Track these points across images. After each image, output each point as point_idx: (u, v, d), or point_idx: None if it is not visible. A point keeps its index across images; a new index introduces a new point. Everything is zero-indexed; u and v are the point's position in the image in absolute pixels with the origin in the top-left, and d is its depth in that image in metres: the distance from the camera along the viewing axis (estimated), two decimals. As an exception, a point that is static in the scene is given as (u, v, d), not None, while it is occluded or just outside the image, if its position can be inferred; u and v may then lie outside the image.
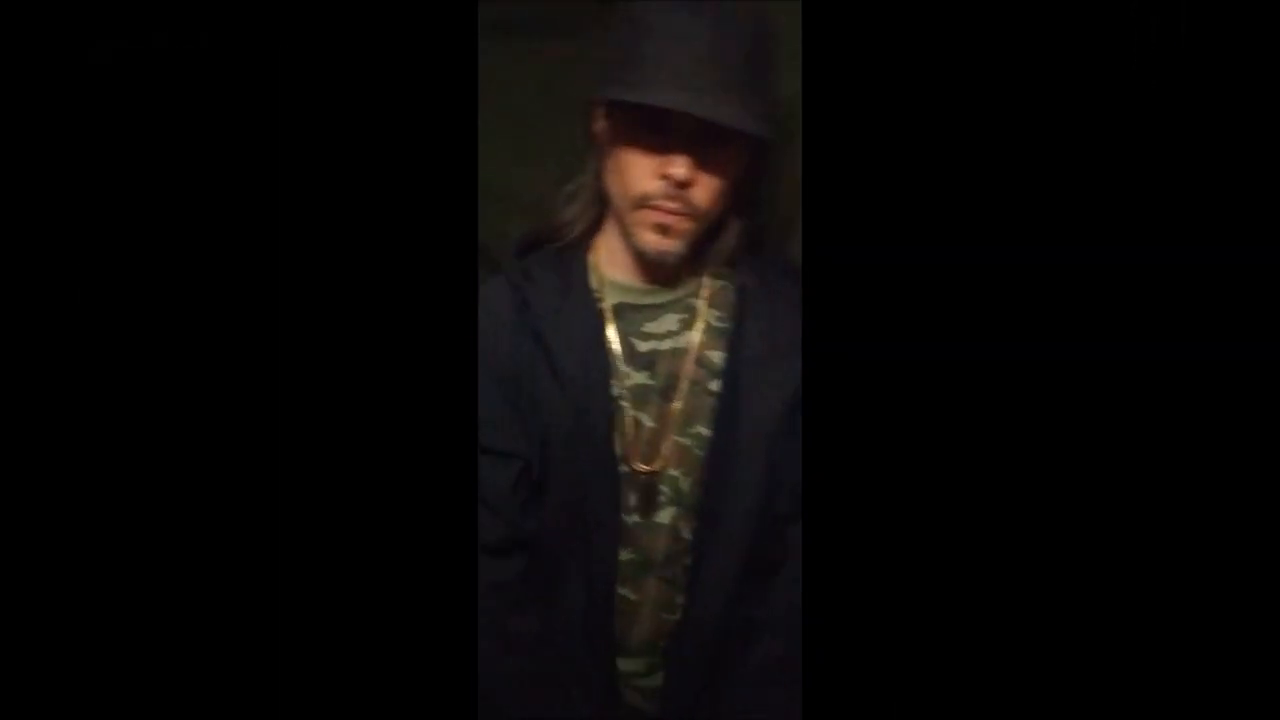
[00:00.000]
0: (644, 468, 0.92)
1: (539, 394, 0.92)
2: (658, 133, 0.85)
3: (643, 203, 0.88)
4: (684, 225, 0.89)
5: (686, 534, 0.93)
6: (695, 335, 0.95)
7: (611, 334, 0.94)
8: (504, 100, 1.27)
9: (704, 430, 0.93)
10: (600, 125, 0.90)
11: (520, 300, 0.94)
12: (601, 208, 0.94)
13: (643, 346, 0.95)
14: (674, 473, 0.93)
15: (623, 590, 0.93)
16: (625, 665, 0.94)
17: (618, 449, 0.92)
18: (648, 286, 0.96)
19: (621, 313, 0.95)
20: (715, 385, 0.93)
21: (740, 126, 0.84)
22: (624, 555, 0.93)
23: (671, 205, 0.88)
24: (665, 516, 0.93)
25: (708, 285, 0.96)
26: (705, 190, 0.88)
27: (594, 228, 0.96)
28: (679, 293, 0.96)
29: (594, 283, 0.96)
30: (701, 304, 0.96)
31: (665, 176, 0.86)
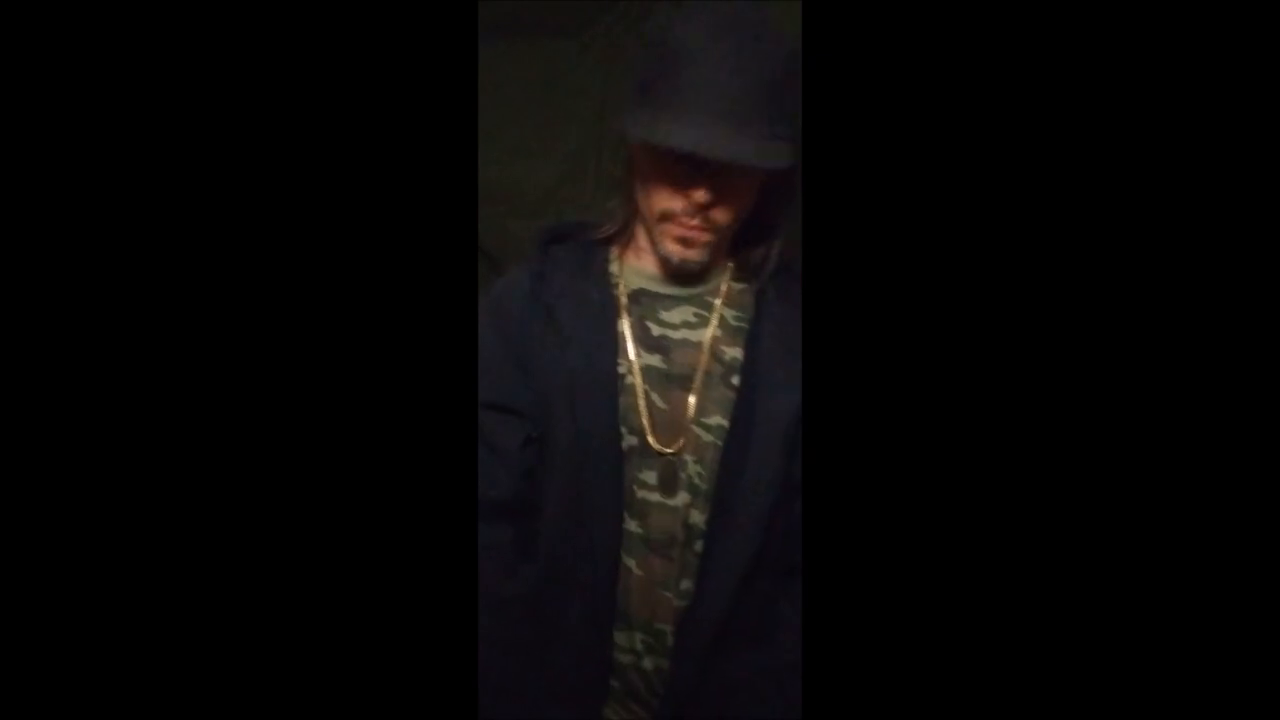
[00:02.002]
0: (664, 448, 0.95)
1: (545, 363, 0.96)
2: (682, 162, 0.90)
3: (667, 218, 0.94)
4: (705, 238, 0.95)
5: (698, 520, 0.95)
6: (711, 330, 0.99)
7: (624, 315, 0.99)
8: (504, 100, 1.27)
9: (721, 421, 0.96)
10: (636, 153, 0.96)
11: (537, 273, 1.00)
12: (632, 215, 1.00)
13: (655, 331, 0.99)
14: (689, 458, 0.96)
15: (627, 560, 0.95)
16: (621, 639, 0.96)
17: (627, 424, 0.96)
18: (668, 282, 1.01)
19: (637, 298, 1.00)
20: (733, 379, 0.97)
21: (761, 164, 0.89)
22: (630, 526, 0.96)
23: (693, 222, 0.94)
24: (679, 499, 0.96)
25: (726, 286, 1.01)
26: (726, 211, 0.94)
27: (624, 229, 1.02)
28: (697, 290, 1.01)
29: (614, 269, 1.01)
30: (718, 302, 1.00)
31: (687, 199, 0.91)
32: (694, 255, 0.95)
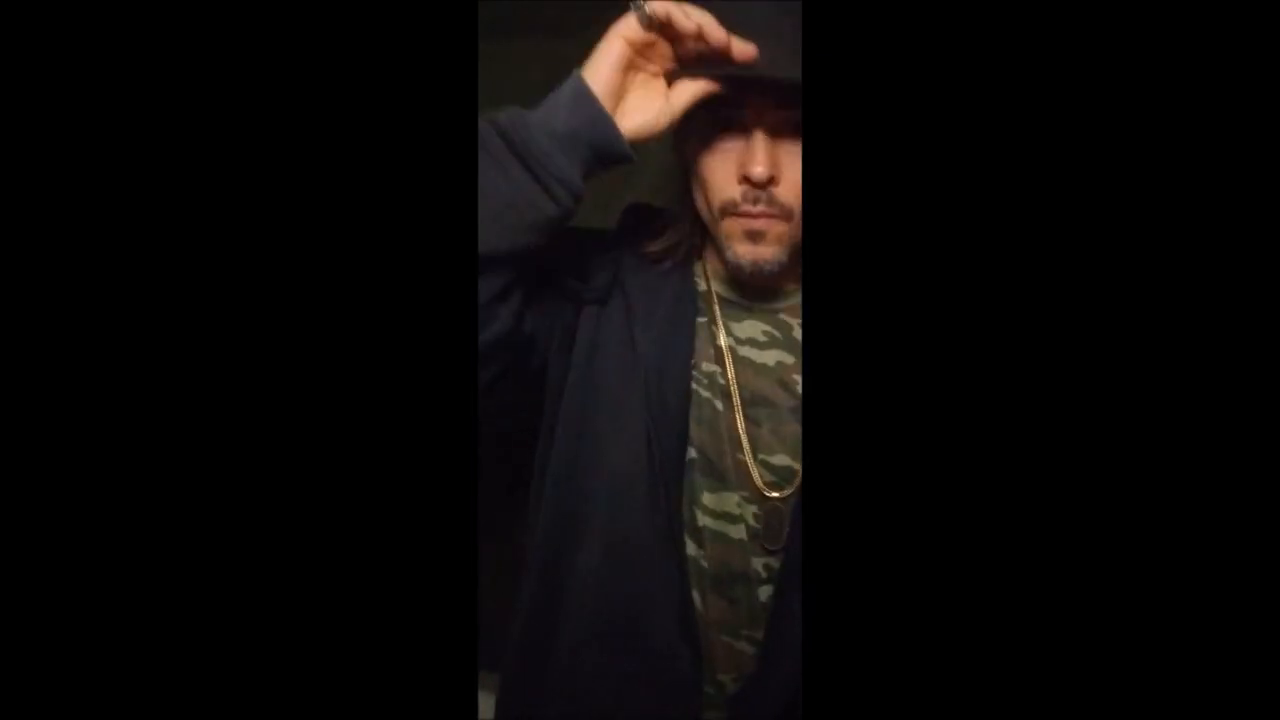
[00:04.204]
0: (762, 490, 0.86)
1: (613, 350, 0.88)
2: (734, 130, 0.83)
3: (729, 210, 0.85)
4: (777, 229, 0.85)
5: (760, 569, 0.86)
6: (778, 354, 0.89)
7: (697, 316, 0.90)
8: (504, 100, 1.27)
9: (786, 460, 0.87)
10: (688, 141, 0.87)
11: (615, 237, 0.92)
12: (699, 233, 0.90)
13: (720, 340, 0.89)
14: (748, 492, 0.87)
15: (693, 593, 0.86)
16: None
17: (693, 433, 0.87)
18: (741, 293, 0.91)
19: (710, 299, 0.91)
20: (801, 414, 0.87)
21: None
22: (692, 551, 0.86)
23: (758, 209, 0.83)
24: (738, 533, 0.87)
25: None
26: (792, 188, 0.83)
27: (700, 246, 0.93)
28: (774, 303, 0.91)
29: (698, 274, 0.93)
30: (795, 323, 0.90)
31: (746, 179, 0.83)
32: (768, 254, 0.85)
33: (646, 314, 0.88)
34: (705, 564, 0.87)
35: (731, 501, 0.87)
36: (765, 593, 0.86)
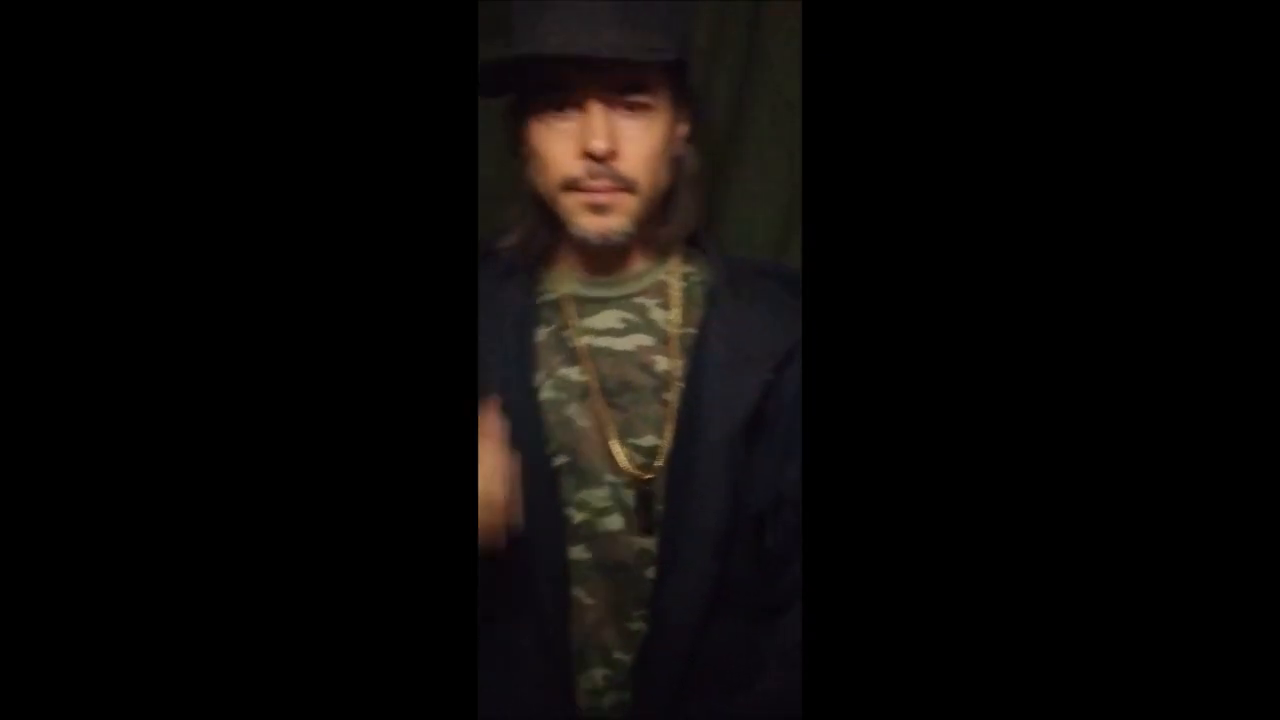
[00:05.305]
0: (636, 473, 0.88)
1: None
2: (568, 106, 0.83)
3: (571, 187, 0.85)
4: (622, 201, 0.85)
5: (639, 552, 0.88)
6: (639, 338, 0.91)
7: (543, 325, 0.91)
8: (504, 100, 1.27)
9: (655, 440, 0.89)
10: (523, 124, 0.87)
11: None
12: (545, 214, 0.90)
13: (577, 342, 0.90)
14: (617, 479, 0.89)
15: (576, 591, 0.88)
16: (583, 680, 0.89)
17: (554, 442, 0.88)
18: (597, 279, 0.92)
19: (565, 304, 0.92)
20: (665, 394, 0.89)
21: (644, 57, 0.81)
22: (575, 554, 0.89)
23: (600, 183, 0.84)
24: (614, 523, 0.89)
25: (664, 283, 0.92)
26: (633, 160, 0.84)
27: (533, 235, 0.92)
28: (630, 288, 0.92)
29: (543, 279, 0.93)
30: (653, 305, 0.92)
31: (587, 154, 0.83)
32: (614, 224, 0.85)
33: (492, 336, 0.89)
34: (588, 560, 0.89)
35: (603, 495, 0.89)
36: (650, 573, 0.88)
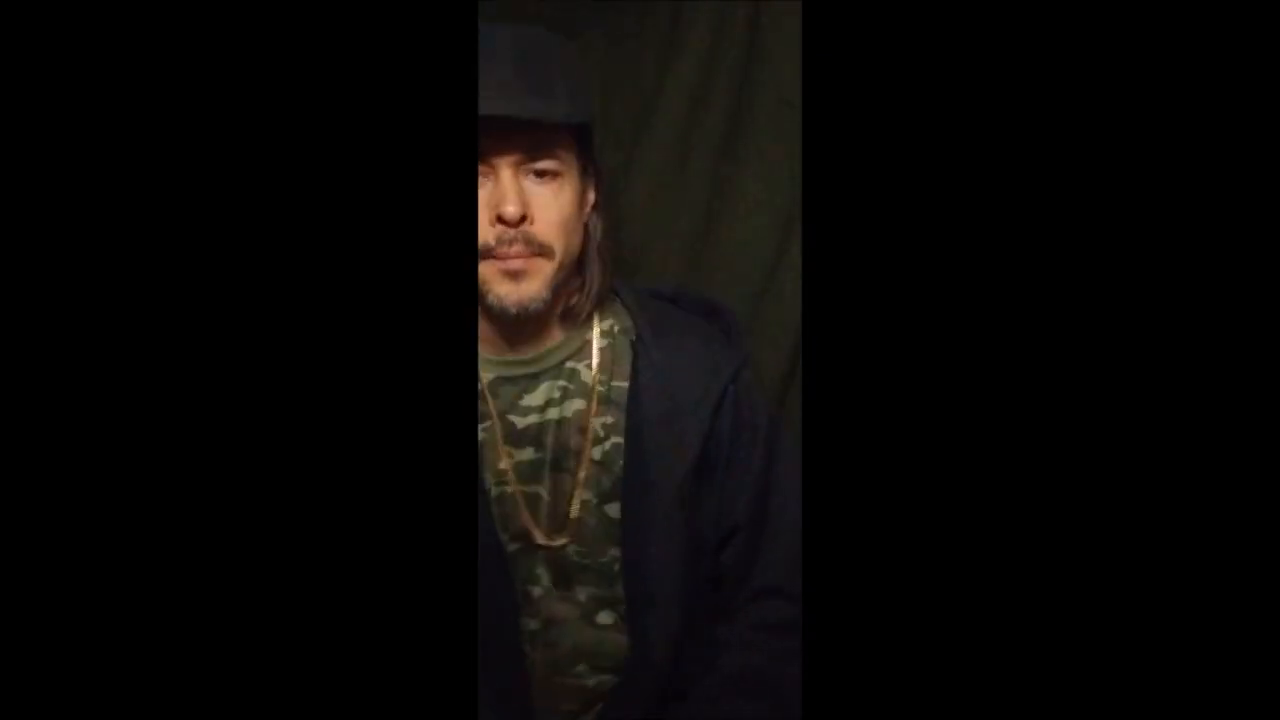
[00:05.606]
0: (549, 542, 0.90)
1: None
2: (479, 176, 0.84)
3: (485, 254, 0.84)
4: (537, 266, 0.85)
5: (607, 618, 0.92)
6: (576, 403, 0.92)
7: (490, 416, 0.91)
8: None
9: (602, 503, 0.91)
10: None
11: None
12: None
13: (521, 423, 0.91)
14: (579, 548, 0.91)
15: (531, 655, 0.91)
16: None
17: (511, 529, 0.91)
18: (520, 355, 0.92)
19: (496, 389, 0.92)
20: (602, 455, 0.91)
21: (557, 119, 0.83)
22: (531, 625, 0.92)
23: (514, 249, 0.84)
24: (583, 594, 0.92)
25: (590, 344, 0.93)
26: (545, 225, 0.85)
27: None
28: (556, 356, 0.92)
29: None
30: (582, 368, 0.93)
31: (499, 220, 0.83)
32: (531, 290, 0.85)
33: None
34: (536, 630, 0.92)
35: (538, 563, 0.92)
36: (604, 618, 0.92)
